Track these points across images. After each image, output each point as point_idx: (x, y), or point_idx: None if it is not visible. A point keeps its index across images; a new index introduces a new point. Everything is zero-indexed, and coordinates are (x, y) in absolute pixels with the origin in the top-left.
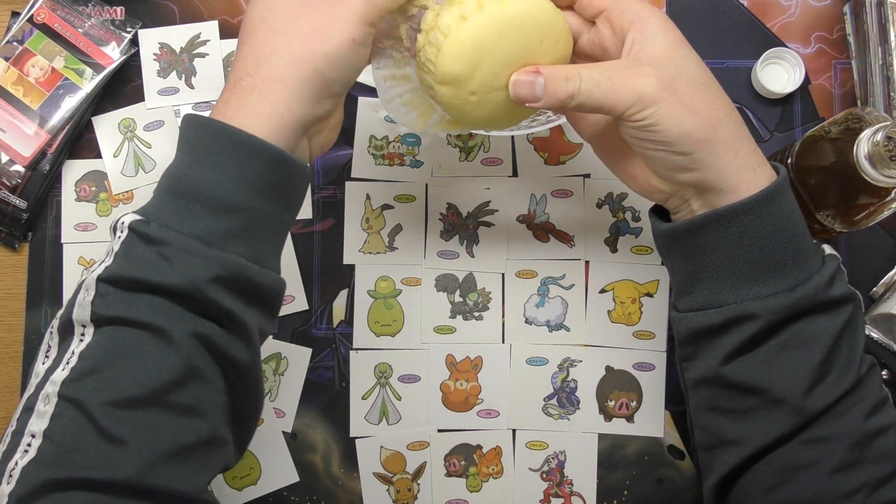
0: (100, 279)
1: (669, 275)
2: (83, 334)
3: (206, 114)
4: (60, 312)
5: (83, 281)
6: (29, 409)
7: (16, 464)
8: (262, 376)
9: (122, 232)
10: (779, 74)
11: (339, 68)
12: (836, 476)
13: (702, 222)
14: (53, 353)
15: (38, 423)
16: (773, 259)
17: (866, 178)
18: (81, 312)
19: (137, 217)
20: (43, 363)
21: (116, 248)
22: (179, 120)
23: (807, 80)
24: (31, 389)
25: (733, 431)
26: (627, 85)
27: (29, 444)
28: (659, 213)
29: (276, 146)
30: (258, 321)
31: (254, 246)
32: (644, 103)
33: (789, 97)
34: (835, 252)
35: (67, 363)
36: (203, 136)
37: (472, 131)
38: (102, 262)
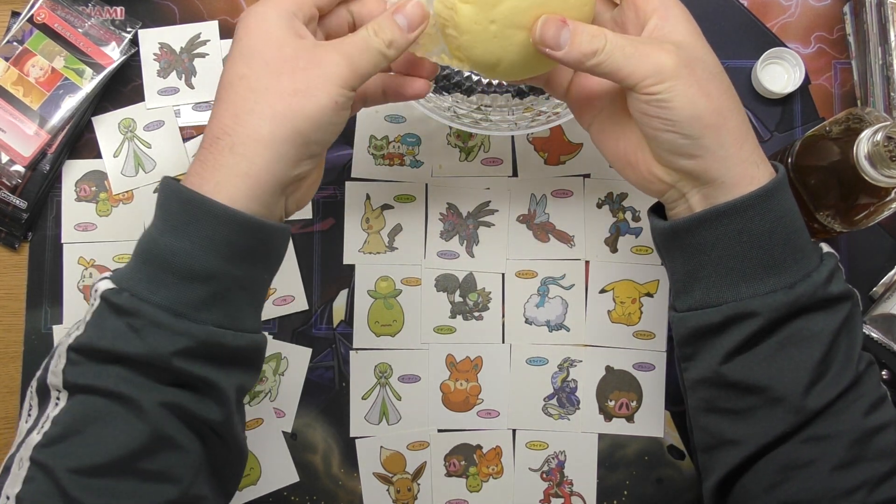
0: (70, 348)
1: (668, 275)
2: (58, 398)
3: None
4: (38, 374)
5: (57, 347)
6: (7, 470)
7: None
8: (240, 431)
9: (95, 300)
10: (779, 74)
11: (320, 130)
12: (837, 474)
13: (701, 219)
14: (34, 413)
15: (12, 486)
16: (773, 256)
17: (866, 178)
18: (54, 379)
19: (111, 285)
20: (26, 422)
21: (88, 317)
22: (179, 120)
23: (807, 80)
24: (12, 448)
25: (733, 431)
26: (649, 55)
27: None
28: (657, 213)
29: (246, 213)
30: (235, 381)
31: (228, 311)
32: (661, 76)
33: (789, 97)
34: (832, 250)
35: (42, 427)
36: (174, 204)
37: (474, 73)
38: (75, 328)
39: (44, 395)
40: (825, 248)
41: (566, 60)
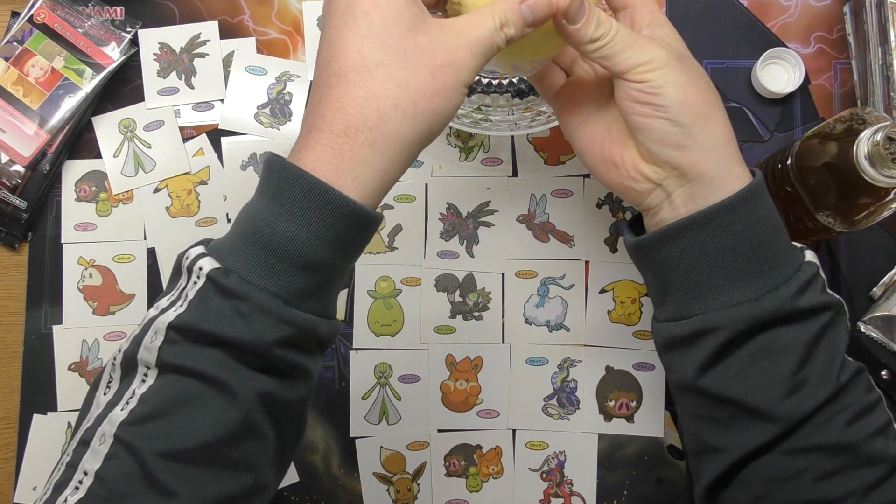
0: (171, 326)
1: (646, 287)
2: (146, 375)
3: (286, 152)
4: (125, 347)
5: (152, 320)
6: (85, 444)
7: (66, 500)
8: (308, 410)
9: (198, 278)
10: (779, 74)
11: (445, 126)
12: (822, 484)
13: (664, 235)
14: (115, 386)
15: (91, 461)
16: (737, 269)
17: (866, 178)
18: (147, 355)
19: (216, 265)
20: (105, 394)
21: (191, 295)
22: (179, 120)
23: (807, 80)
24: (89, 421)
25: (716, 439)
26: (645, 46)
27: (80, 482)
28: (634, 228)
29: (365, 207)
30: (317, 363)
31: (324, 300)
32: (655, 64)
33: (789, 97)
34: (814, 260)
35: (127, 403)
36: (294, 190)
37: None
38: (173, 302)
39: (129, 368)
40: (808, 255)
41: (577, 37)
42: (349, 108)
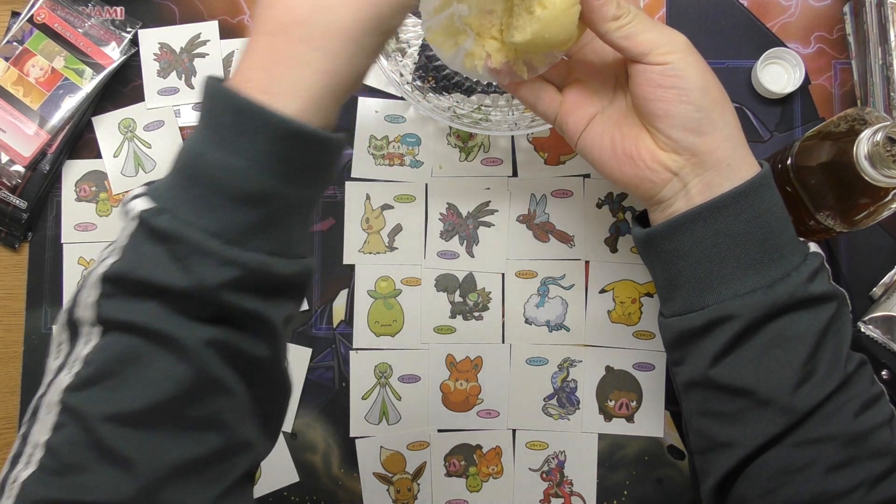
0: (104, 278)
1: (653, 282)
2: (90, 335)
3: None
4: (66, 305)
5: (88, 274)
6: (35, 413)
7: (16, 477)
8: (285, 365)
9: (131, 220)
10: (779, 74)
11: (398, 16)
12: (832, 475)
13: (677, 223)
14: (64, 350)
15: (40, 432)
16: (750, 256)
17: (866, 178)
18: (84, 312)
19: (149, 204)
20: (55, 359)
21: (124, 241)
22: (179, 120)
23: (807, 80)
24: (41, 388)
25: (725, 434)
26: (664, 29)
27: (31, 455)
28: (641, 223)
29: (310, 127)
30: (284, 311)
31: (279, 236)
32: (676, 47)
33: (789, 97)
34: (819, 250)
35: (72, 367)
36: (224, 113)
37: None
38: (110, 253)
39: (74, 329)
40: (812, 247)
41: (599, 12)
42: (280, 8)
